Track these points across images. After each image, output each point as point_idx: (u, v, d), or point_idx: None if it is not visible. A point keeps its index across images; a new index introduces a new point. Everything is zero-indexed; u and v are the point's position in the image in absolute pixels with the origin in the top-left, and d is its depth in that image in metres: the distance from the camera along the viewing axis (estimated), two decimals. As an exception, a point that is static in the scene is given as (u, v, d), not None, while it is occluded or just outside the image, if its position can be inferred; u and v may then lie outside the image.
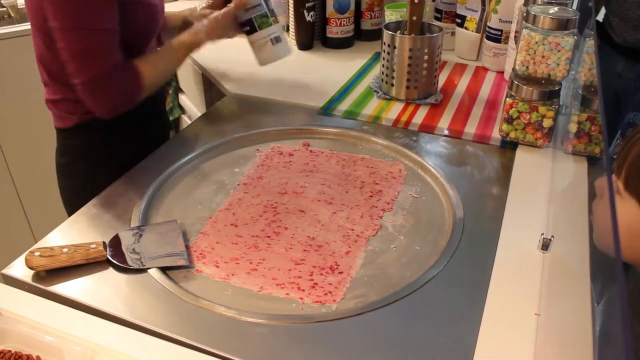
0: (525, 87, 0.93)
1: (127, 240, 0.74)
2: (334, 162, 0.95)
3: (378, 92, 1.17)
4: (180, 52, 1.04)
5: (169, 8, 1.16)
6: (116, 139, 1.07)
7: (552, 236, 0.74)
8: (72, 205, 1.07)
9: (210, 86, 1.36)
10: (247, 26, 1.08)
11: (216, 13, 1.06)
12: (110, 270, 0.71)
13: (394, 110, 1.11)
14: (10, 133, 1.71)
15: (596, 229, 0.72)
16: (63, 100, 1.02)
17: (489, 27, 1.28)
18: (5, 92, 1.65)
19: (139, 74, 0.95)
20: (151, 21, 1.05)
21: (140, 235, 0.75)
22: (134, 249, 0.73)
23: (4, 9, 1.84)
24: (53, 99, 1.04)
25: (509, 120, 0.96)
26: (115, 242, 0.74)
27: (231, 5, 1.06)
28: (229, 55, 1.40)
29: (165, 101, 1.36)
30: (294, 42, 1.46)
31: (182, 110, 1.72)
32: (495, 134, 1.02)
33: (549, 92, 0.92)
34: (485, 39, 1.31)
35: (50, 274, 0.70)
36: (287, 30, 1.50)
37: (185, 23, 1.18)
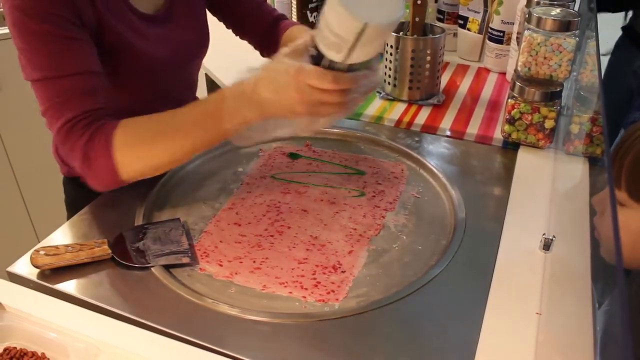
0: (527, 88, 0.93)
1: (131, 238, 0.75)
2: (337, 162, 0.96)
3: (381, 93, 1.18)
4: (198, 131, 0.72)
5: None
6: None
7: (554, 236, 0.74)
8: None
9: (213, 86, 1.36)
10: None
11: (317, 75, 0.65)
12: (115, 268, 0.71)
13: (397, 110, 1.12)
14: (13, 132, 1.72)
15: (604, 244, 0.72)
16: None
17: (491, 29, 1.29)
18: (7, 91, 1.66)
19: (109, 146, 0.71)
20: (145, 71, 0.85)
21: (145, 234, 0.76)
22: (138, 247, 0.74)
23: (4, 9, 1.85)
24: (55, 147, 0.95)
25: (511, 121, 0.96)
26: (120, 241, 0.74)
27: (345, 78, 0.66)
28: (232, 55, 1.40)
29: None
30: (297, 42, 1.47)
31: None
32: (497, 135, 1.02)
33: (551, 93, 0.93)
34: (487, 40, 1.31)
35: (55, 272, 0.70)
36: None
37: None
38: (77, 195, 0.94)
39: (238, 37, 1.08)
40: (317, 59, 0.66)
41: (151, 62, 0.86)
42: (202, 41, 0.98)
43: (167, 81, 0.92)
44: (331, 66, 0.65)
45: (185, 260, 0.72)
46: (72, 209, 0.98)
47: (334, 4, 0.60)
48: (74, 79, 0.72)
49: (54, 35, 0.71)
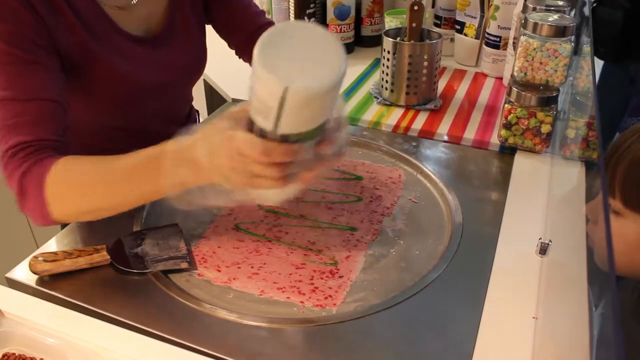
0: (523, 93, 0.94)
1: (129, 244, 0.75)
2: (334, 167, 0.96)
3: (378, 98, 1.18)
4: (134, 182, 0.66)
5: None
6: None
7: (550, 241, 0.74)
8: None
9: (212, 92, 1.37)
10: None
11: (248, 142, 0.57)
12: (113, 274, 0.72)
13: (394, 116, 1.12)
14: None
15: (598, 252, 0.72)
16: None
17: (488, 34, 1.29)
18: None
19: (42, 184, 0.67)
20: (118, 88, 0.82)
21: (143, 239, 0.76)
22: (136, 253, 0.74)
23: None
24: None
25: (508, 125, 0.97)
26: (118, 246, 0.75)
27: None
28: (231, 61, 1.41)
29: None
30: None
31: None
32: (494, 140, 1.03)
33: (547, 98, 0.93)
34: (484, 45, 1.32)
35: (53, 278, 0.71)
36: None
37: None
38: None
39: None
40: (251, 124, 0.58)
41: (141, 84, 0.85)
42: (197, 66, 0.97)
43: (161, 100, 0.91)
44: (262, 134, 0.56)
45: (184, 265, 0.73)
46: None
47: (255, 61, 0.51)
48: (29, 104, 0.69)
49: (18, 57, 0.70)
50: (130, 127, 0.77)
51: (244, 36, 1.01)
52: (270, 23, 1.03)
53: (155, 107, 0.91)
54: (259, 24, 1.00)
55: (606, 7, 1.51)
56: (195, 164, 0.61)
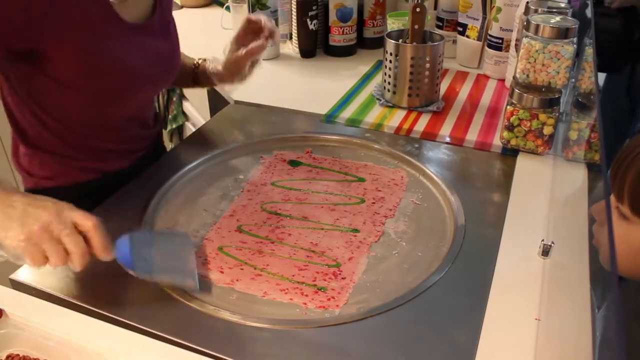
0: (525, 94, 0.94)
1: (138, 243, 0.70)
2: (337, 169, 0.96)
3: (380, 100, 1.18)
4: None
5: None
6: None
7: (553, 242, 0.74)
8: None
9: (214, 93, 1.37)
10: None
11: None
12: (117, 275, 0.71)
13: (396, 117, 1.12)
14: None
15: (603, 252, 0.72)
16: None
17: (490, 36, 1.29)
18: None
19: None
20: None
21: (152, 243, 0.72)
22: (144, 257, 0.70)
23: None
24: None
25: (510, 127, 0.97)
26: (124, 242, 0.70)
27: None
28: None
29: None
30: (297, 50, 1.48)
31: (186, 117, 1.73)
32: (496, 141, 1.03)
33: (549, 99, 0.93)
34: (486, 47, 1.32)
35: (57, 280, 0.71)
36: (290, 38, 1.51)
37: (198, 73, 1.03)
38: None
39: None
40: None
41: (135, 73, 0.85)
42: (176, 60, 0.97)
43: (146, 94, 0.93)
44: None
45: (190, 284, 0.70)
46: None
47: None
48: None
49: None
50: (108, 125, 0.80)
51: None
52: None
53: (136, 104, 0.92)
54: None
55: (604, 17, 1.52)
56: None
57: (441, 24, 1.43)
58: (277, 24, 1.45)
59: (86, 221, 0.64)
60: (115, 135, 0.92)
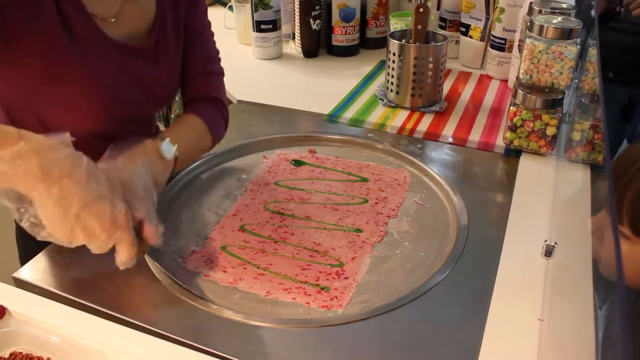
0: (529, 95, 0.94)
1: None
2: (340, 169, 0.96)
3: (383, 100, 1.18)
4: None
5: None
6: None
7: (556, 243, 0.74)
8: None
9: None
10: None
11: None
12: (120, 273, 0.71)
13: (399, 118, 1.12)
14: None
15: (603, 262, 0.72)
16: None
17: (493, 36, 1.29)
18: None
19: None
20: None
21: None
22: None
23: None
24: None
25: (513, 128, 0.97)
26: None
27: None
28: (236, 63, 1.41)
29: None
30: (300, 49, 1.48)
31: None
32: (499, 142, 1.03)
33: (553, 100, 0.93)
34: (489, 48, 1.32)
35: (60, 278, 0.71)
36: (293, 37, 1.51)
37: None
38: None
39: None
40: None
41: (107, 91, 0.78)
42: (172, 89, 0.91)
43: (119, 116, 0.81)
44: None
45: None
46: None
47: None
48: None
49: None
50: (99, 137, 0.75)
51: (187, 75, 0.92)
52: (218, 73, 0.95)
53: (123, 123, 0.82)
54: (205, 70, 0.93)
55: (614, 32, 1.52)
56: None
57: (444, 25, 1.43)
58: (280, 24, 1.45)
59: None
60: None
